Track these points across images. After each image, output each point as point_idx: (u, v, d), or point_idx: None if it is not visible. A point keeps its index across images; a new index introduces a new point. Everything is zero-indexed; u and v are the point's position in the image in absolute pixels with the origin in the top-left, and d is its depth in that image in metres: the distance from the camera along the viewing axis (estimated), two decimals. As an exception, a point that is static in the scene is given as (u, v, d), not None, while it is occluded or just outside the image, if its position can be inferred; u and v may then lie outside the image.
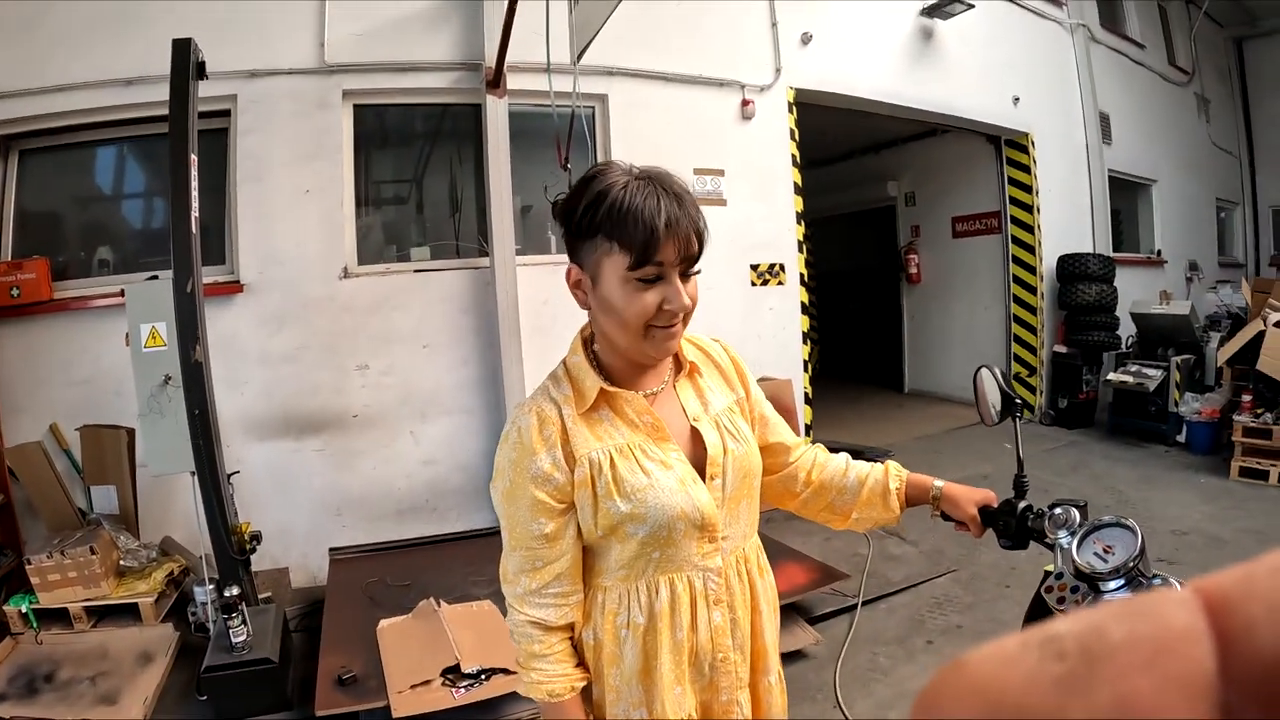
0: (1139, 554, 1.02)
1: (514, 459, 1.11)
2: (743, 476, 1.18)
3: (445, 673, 2.79)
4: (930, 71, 6.04)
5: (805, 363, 5.34)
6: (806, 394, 5.34)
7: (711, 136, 4.92)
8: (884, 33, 5.64)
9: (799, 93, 5.16)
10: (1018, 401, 1.29)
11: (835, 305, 9.50)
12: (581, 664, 1.20)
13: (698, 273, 1.07)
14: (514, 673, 3.04)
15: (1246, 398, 5.32)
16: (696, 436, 1.17)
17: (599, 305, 1.08)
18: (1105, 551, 1.06)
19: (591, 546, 1.16)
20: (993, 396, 1.32)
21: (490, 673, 2.79)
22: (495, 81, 4.43)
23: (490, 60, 4.37)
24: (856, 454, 1.43)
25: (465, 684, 2.74)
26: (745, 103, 4.99)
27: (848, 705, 2.72)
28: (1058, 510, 1.15)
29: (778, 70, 5.08)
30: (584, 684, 1.19)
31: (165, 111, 3.34)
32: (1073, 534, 1.10)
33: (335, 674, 2.94)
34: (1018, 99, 6.70)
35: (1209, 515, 4.42)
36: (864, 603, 3.35)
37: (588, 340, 1.17)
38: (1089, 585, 1.06)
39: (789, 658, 2.90)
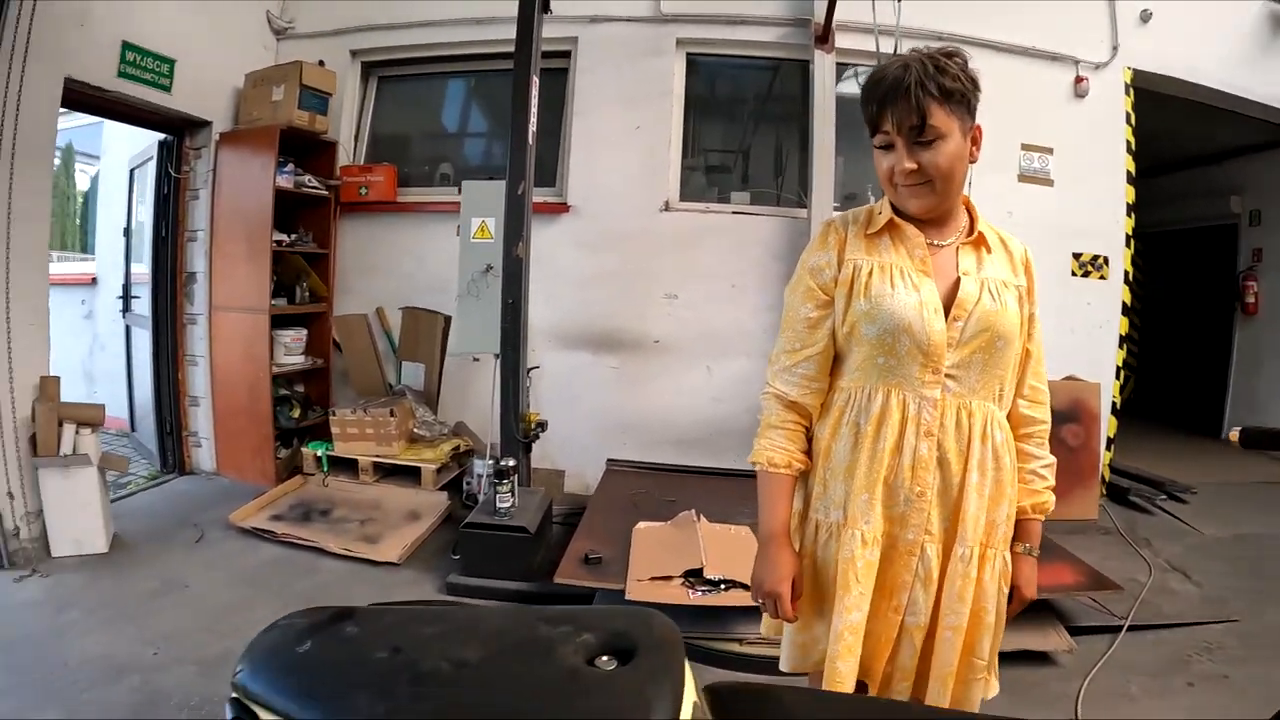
0: None
1: (804, 257, 1.37)
2: (984, 329, 1.22)
3: (687, 574, 2.79)
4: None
5: (1118, 369, 4.77)
6: (1114, 403, 4.74)
7: (1040, 112, 4.62)
8: (1229, 17, 5.10)
9: (1137, 75, 4.78)
10: None
11: (1153, 334, 8.20)
12: (808, 453, 1.35)
13: (931, 140, 1.18)
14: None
15: None
16: (958, 284, 1.25)
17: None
18: None
19: (839, 351, 1.32)
20: None
21: (731, 584, 2.71)
22: (824, 37, 4.43)
23: (819, 16, 4.37)
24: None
25: (704, 588, 2.72)
26: (1079, 79, 4.68)
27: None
28: None
29: (1114, 48, 4.74)
30: (802, 469, 1.34)
31: (509, 50, 3.58)
32: None
33: (583, 553, 3.01)
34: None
35: None
36: (1131, 627, 2.97)
37: None
38: None
39: (1034, 658, 2.66)
